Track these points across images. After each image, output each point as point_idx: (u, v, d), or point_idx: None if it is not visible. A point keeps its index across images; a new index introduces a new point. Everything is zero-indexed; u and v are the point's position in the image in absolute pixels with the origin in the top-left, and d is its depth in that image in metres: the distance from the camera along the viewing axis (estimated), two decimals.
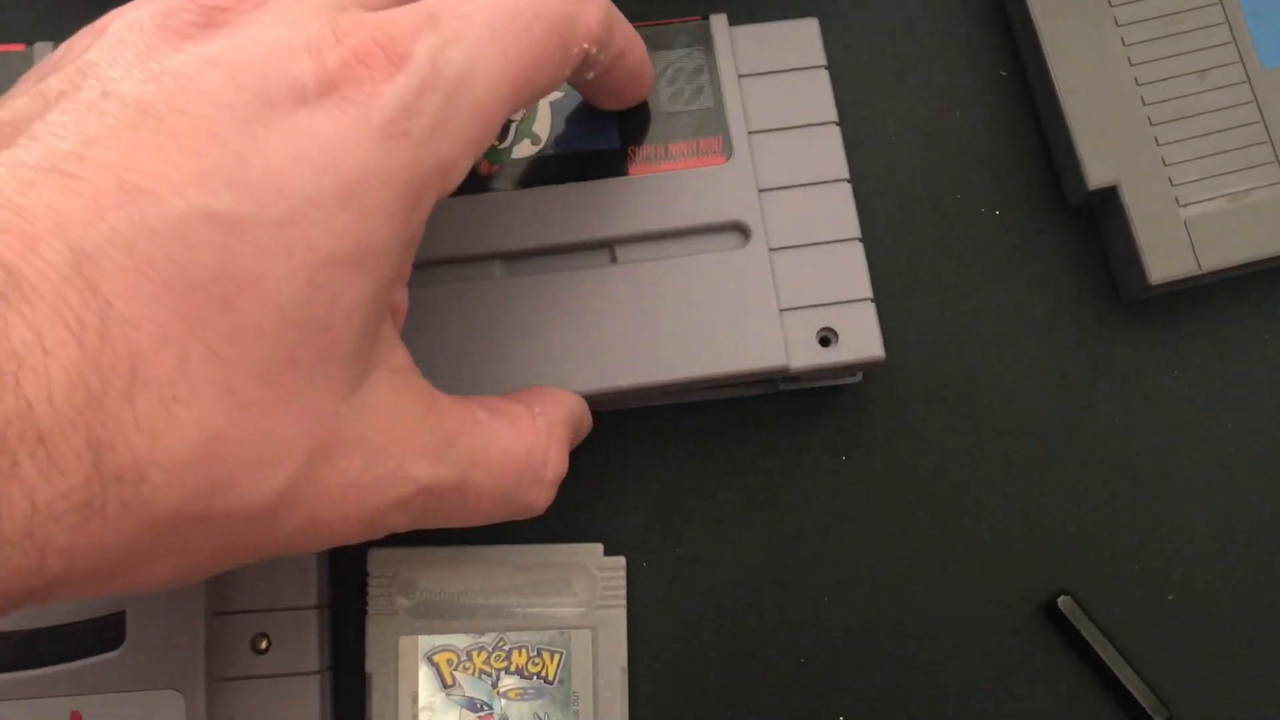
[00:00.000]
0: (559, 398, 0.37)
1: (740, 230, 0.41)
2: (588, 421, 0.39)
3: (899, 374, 0.44)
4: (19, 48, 0.41)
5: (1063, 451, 0.43)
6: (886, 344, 0.42)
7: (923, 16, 0.47)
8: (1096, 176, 0.43)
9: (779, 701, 0.42)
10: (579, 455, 0.42)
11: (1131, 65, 0.44)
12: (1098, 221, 0.45)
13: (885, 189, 0.45)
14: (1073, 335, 0.44)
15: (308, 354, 0.27)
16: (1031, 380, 0.44)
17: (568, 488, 0.42)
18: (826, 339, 0.40)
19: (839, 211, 0.41)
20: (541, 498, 0.35)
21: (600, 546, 0.41)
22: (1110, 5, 0.44)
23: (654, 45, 0.42)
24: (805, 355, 0.40)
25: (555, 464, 0.35)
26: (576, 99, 0.42)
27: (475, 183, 0.41)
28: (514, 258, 0.41)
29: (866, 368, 0.42)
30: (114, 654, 0.37)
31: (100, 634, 0.38)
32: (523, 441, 0.34)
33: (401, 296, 0.35)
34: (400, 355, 0.32)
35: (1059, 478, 0.43)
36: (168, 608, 0.38)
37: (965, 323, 0.44)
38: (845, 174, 0.42)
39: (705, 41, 0.42)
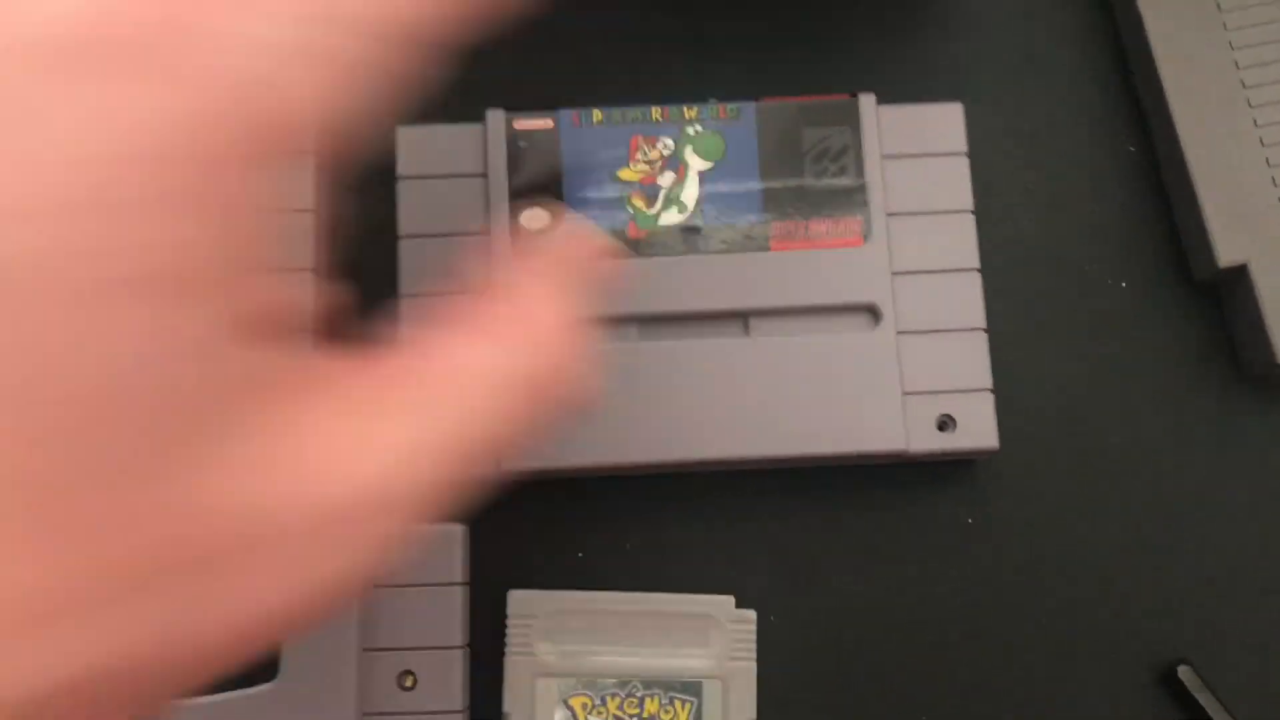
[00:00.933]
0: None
1: (871, 312, 0.43)
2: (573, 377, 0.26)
3: (1024, 440, 0.45)
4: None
5: (1185, 523, 0.44)
6: (1012, 410, 0.44)
7: (1054, 91, 0.48)
8: (1227, 255, 0.44)
9: None
10: (708, 508, 0.44)
11: (1264, 146, 0.45)
12: (1224, 298, 0.46)
13: (1014, 258, 0.46)
14: (1197, 410, 0.45)
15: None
16: (1155, 452, 0.45)
17: (698, 540, 0.44)
18: (944, 424, 0.42)
19: (967, 300, 0.43)
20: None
21: (731, 599, 0.42)
22: (1244, 86, 0.45)
23: (803, 120, 0.44)
24: (923, 439, 0.42)
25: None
26: (725, 170, 0.43)
27: (622, 247, 0.43)
28: (651, 322, 0.43)
29: (981, 455, 0.43)
30: (269, 686, 0.40)
31: (260, 668, 0.40)
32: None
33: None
34: None
35: (1181, 548, 0.44)
36: (321, 643, 0.40)
37: (1091, 393, 0.45)
38: (976, 263, 0.43)
39: (853, 120, 0.44)
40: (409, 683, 0.41)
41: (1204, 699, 0.43)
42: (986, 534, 0.44)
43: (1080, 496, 0.45)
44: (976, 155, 0.45)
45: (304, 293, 0.42)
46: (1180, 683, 0.43)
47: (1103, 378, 0.45)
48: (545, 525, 0.44)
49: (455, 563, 0.41)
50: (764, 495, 0.44)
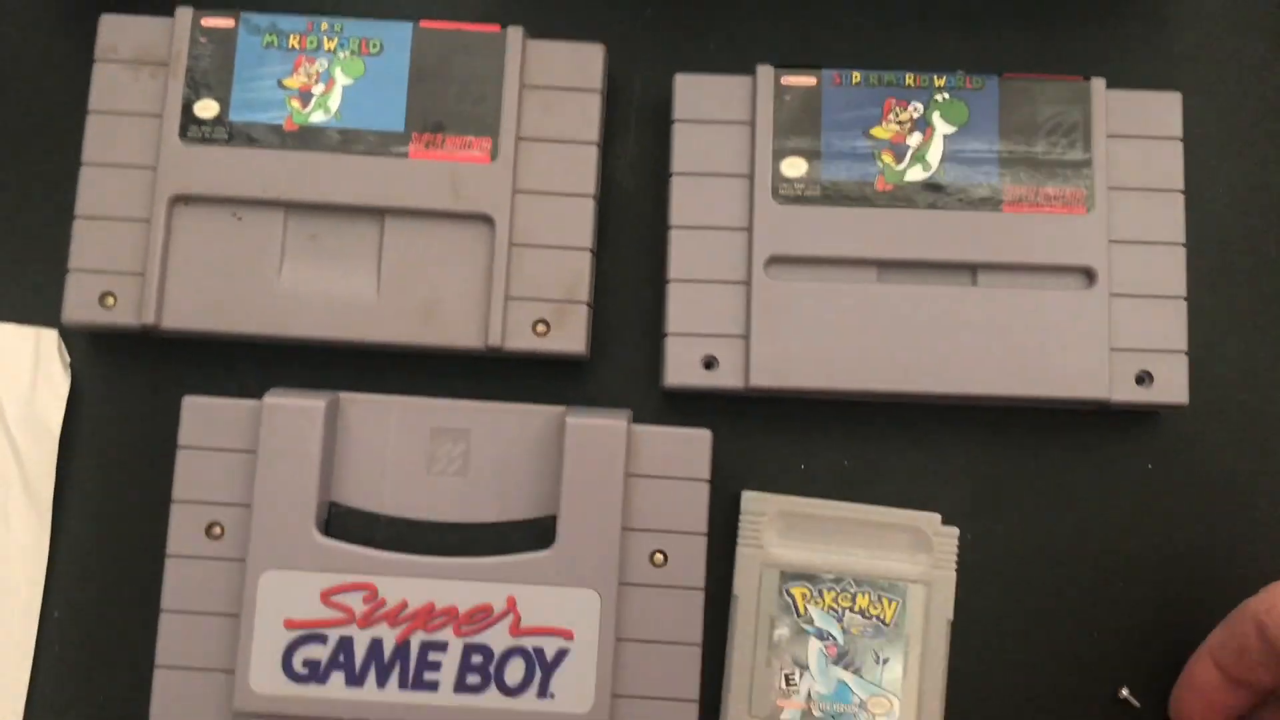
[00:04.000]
0: None
1: (1088, 274, 0.48)
2: None
3: (1206, 398, 0.50)
4: (494, 28, 0.49)
5: None
6: (1203, 375, 0.49)
7: (1260, 87, 0.52)
8: None
9: (1072, 660, 0.49)
10: (921, 435, 0.50)
11: None
12: None
13: (1213, 236, 0.51)
14: None
15: None
16: None
17: (910, 462, 0.50)
18: (1142, 379, 0.48)
19: (1172, 270, 0.48)
20: None
21: (938, 516, 0.48)
22: None
23: (1041, 97, 0.49)
24: (1124, 391, 0.48)
25: None
26: (967, 135, 0.48)
27: (870, 197, 0.48)
28: (890, 266, 0.49)
29: (1173, 409, 0.49)
30: (546, 552, 0.46)
31: (536, 534, 0.47)
32: None
33: None
34: None
35: None
36: (590, 520, 0.46)
37: (1270, 361, 0.51)
38: (1183, 238, 0.48)
39: (1084, 100, 0.49)
40: (660, 560, 0.47)
41: None
42: (1163, 480, 0.50)
43: (1248, 447, 0.50)
44: (1186, 139, 0.50)
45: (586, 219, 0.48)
46: None
47: (1278, 346, 0.51)
48: (775, 437, 0.50)
49: (703, 462, 0.47)
50: (971, 428, 0.50)
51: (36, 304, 0.50)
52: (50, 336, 0.50)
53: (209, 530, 0.47)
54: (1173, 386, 0.48)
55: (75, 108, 0.50)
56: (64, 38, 0.52)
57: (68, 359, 0.50)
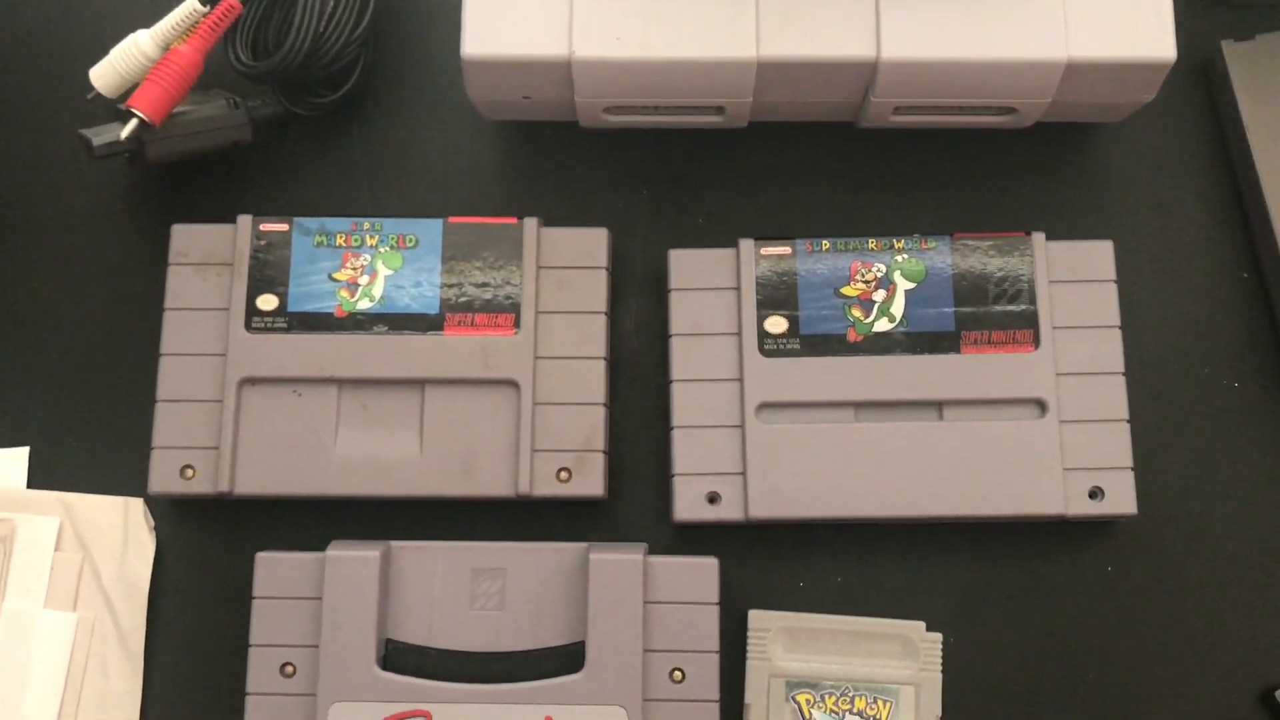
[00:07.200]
0: None
1: (1040, 404, 0.55)
2: None
3: (1154, 506, 0.57)
4: (512, 220, 0.57)
5: None
6: (1150, 484, 0.56)
7: (1183, 230, 0.60)
8: None
9: None
10: (903, 552, 0.56)
11: None
12: None
13: (1149, 364, 0.58)
14: None
15: None
16: (1261, 518, 0.57)
17: (895, 576, 0.56)
18: (1094, 494, 0.54)
19: (1115, 397, 0.55)
20: None
21: (923, 624, 0.55)
22: None
23: (988, 251, 0.56)
24: (1078, 506, 0.54)
25: None
26: (926, 289, 0.56)
27: (843, 348, 0.55)
28: (866, 407, 0.56)
29: (1122, 519, 0.55)
30: (577, 676, 0.53)
31: (567, 659, 0.53)
32: None
33: None
34: None
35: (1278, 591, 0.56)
36: (615, 644, 0.53)
37: (1207, 470, 0.57)
38: (1122, 368, 0.55)
39: (1027, 253, 0.56)
40: (678, 677, 0.53)
41: None
42: (1121, 580, 0.56)
43: (1196, 549, 0.57)
44: (1122, 281, 0.57)
45: (599, 378, 0.56)
46: (1276, 703, 0.54)
47: (1217, 458, 0.57)
48: (774, 559, 0.57)
49: (712, 587, 0.54)
50: (948, 543, 0.57)
51: (125, 477, 0.58)
52: (137, 505, 0.57)
53: (283, 670, 0.53)
54: (1122, 499, 0.54)
55: (151, 304, 0.58)
56: (139, 244, 0.60)
57: (152, 524, 0.57)
